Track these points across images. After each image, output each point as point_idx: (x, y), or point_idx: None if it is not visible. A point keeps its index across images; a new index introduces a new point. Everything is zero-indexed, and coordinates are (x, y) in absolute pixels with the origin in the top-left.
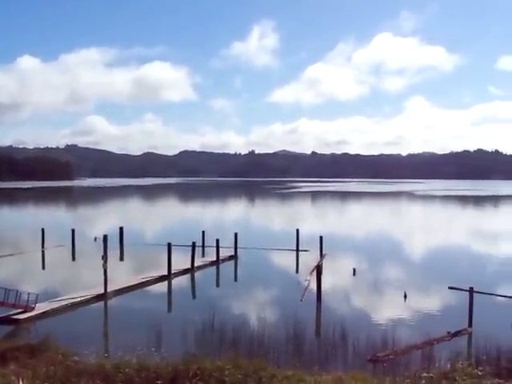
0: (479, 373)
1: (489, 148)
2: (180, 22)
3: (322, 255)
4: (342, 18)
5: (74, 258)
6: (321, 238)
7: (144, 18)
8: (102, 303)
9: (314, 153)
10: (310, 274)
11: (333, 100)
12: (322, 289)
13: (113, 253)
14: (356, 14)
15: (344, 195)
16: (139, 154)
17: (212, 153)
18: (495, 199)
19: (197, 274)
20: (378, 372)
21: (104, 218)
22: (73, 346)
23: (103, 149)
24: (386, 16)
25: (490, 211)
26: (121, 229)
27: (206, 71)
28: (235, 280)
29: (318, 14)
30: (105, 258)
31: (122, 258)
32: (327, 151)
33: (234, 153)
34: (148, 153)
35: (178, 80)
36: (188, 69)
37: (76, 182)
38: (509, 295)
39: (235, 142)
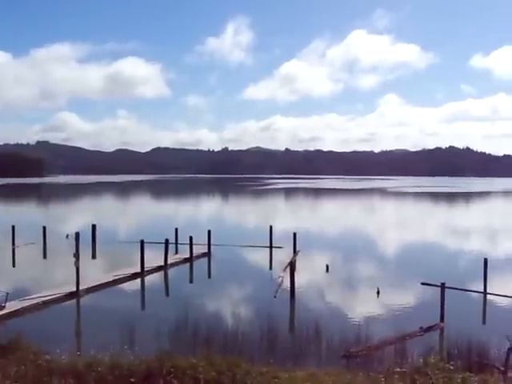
0: (451, 367)
1: (460, 145)
2: (154, 18)
3: (295, 252)
4: (316, 14)
5: (45, 256)
6: (294, 234)
7: (117, 13)
8: (74, 301)
9: (287, 149)
10: (284, 270)
11: (307, 97)
12: (296, 285)
13: (85, 250)
14: (331, 11)
15: (317, 192)
16: (112, 150)
17: (185, 149)
18: (466, 196)
19: (170, 271)
20: (351, 368)
21: (76, 216)
22: (44, 345)
23: (75, 145)
24: (361, 14)
25: (462, 208)
26: (93, 226)
27: (180, 67)
28: (209, 277)
29: (293, 10)
30: (77, 255)
31: (94, 256)
32: (300, 148)
33: (207, 149)
34: (121, 149)
35: (151, 76)
36: (162, 65)
37: (47, 179)
38: (479, 290)
39: (209, 138)
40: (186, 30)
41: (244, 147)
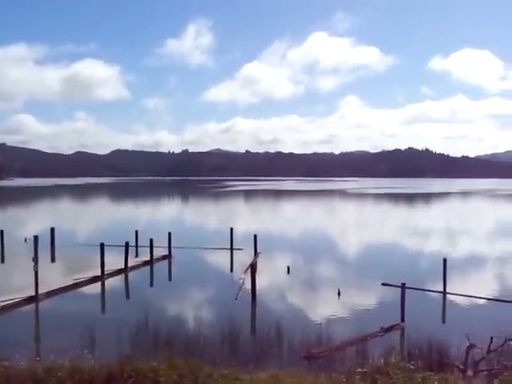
0: (411, 366)
1: (419, 147)
2: (113, 19)
3: (256, 254)
4: (277, 16)
5: (2, 260)
6: (255, 236)
7: (75, 15)
8: (33, 306)
9: (248, 151)
10: (245, 272)
11: (268, 99)
12: (257, 287)
13: (44, 254)
14: (292, 14)
15: (278, 194)
16: (70, 153)
17: (145, 152)
18: (425, 197)
19: (130, 274)
20: (313, 369)
21: (34, 219)
22: (2, 351)
23: (33, 148)
24: (322, 16)
25: (421, 208)
26: (52, 229)
27: (140, 69)
28: (169, 280)
29: (254, 12)
30: (35, 259)
31: (53, 260)
32: (261, 150)
33: (167, 151)
34: (80, 152)
35: (110, 78)
36: (121, 67)
37: (4, 182)
38: (439, 290)
39: (169, 140)
40: (145, 32)
41: (204, 149)
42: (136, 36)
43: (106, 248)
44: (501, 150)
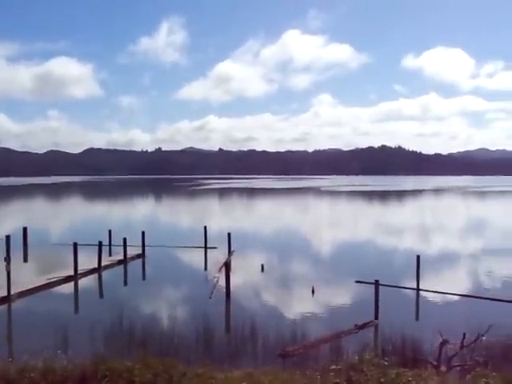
0: (385, 363)
1: (392, 144)
2: (85, 17)
3: (230, 252)
4: (251, 14)
5: None
6: (229, 234)
7: (48, 12)
8: (5, 306)
9: (221, 150)
10: (219, 271)
11: (241, 97)
12: (231, 285)
13: (16, 254)
14: (265, 11)
15: (252, 192)
16: (43, 151)
17: (118, 150)
18: (398, 194)
19: (104, 274)
20: (288, 366)
21: (6, 218)
22: None
23: (4, 146)
24: (295, 14)
25: (394, 206)
26: (24, 229)
27: (113, 67)
28: (143, 279)
29: (228, 10)
30: (7, 259)
31: (25, 259)
32: (234, 148)
33: (140, 150)
34: (52, 150)
35: (83, 76)
36: (94, 64)
37: None
38: (412, 287)
39: (142, 139)
40: (118, 30)
41: (178, 148)
42: (109, 34)
43: (79, 247)
44: (473, 147)
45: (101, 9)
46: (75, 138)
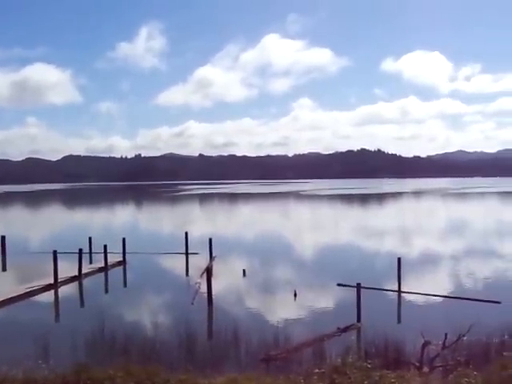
0: (368, 365)
1: (372, 147)
2: (63, 22)
3: (211, 257)
4: (230, 19)
5: None
6: (210, 240)
7: (24, 18)
8: None
9: (201, 155)
10: (201, 276)
11: (221, 102)
12: (213, 291)
13: None
14: (245, 16)
15: (232, 197)
16: (21, 159)
17: (98, 157)
18: (379, 197)
19: (85, 282)
20: (271, 371)
21: None
22: None
23: None
24: (274, 18)
25: (375, 209)
26: (2, 237)
27: (92, 73)
28: (125, 286)
29: (207, 15)
30: None
31: (4, 268)
32: (214, 153)
33: (120, 156)
34: (31, 158)
35: (61, 82)
36: (72, 70)
37: None
38: (394, 289)
39: (121, 145)
40: (97, 35)
41: (157, 154)
42: (88, 39)
43: (59, 255)
44: (451, 149)
45: (79, 14)
46: (54, 144)
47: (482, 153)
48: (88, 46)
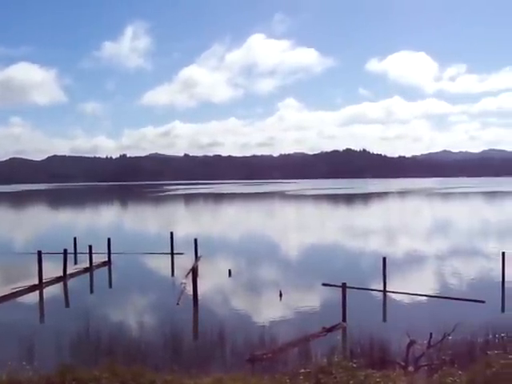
0: (354, 365)
1: (357, 147)
2: (47, 21)
3: (197, 257)
4: (216, 18)
5: None
6: (195, 240)
7: (8, 17)
8: None
9: (186, 155)
10: (186, 276)
11: (206, 102)
12: (199, 291)
13: None
14: (231, 16)
15: (218, 197)
16: (5, 159)
17: (82, 157)
18: (364, 197)
19: (69, 282)
20: (256, 371)
21: None
22: None
23: None
24: (260, 18)
25: (360, 208)
26: None
27: (77, 73)
28: (110, 286)
29: (193, 14)
30: None
31: None
32: (199, 153)
33: (105, 157)
34: (15, 158)
35: (46, 82)
36: (57, 70)
37: None
38: (379, 289)
39: (106, 145)
40: (82, 35)
41: (142, 154)
42: (72, 39)
43: (43, 256)
44: (436, 149)
45: (63, 13)
46: (38, 144)
47: (466, 153)
48: (73, 45)
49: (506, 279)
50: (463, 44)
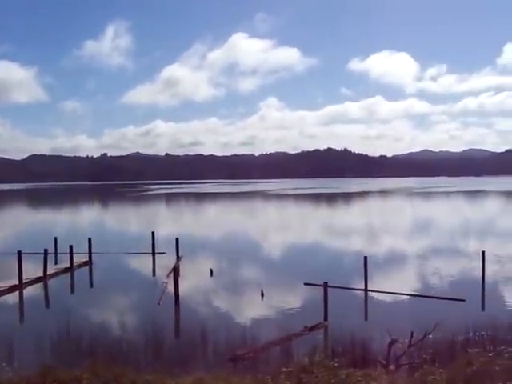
0: (335, 364)
1: (338, 147)
2: (27, 20)
3: (178, 257)
4: (199, 17)
5: None
6: (177, 239)
7: None
8: None
9: (167, 154)
10: (167, 276)
11: (188, 101)
12: (180, 291)
13: None
14: (213, 14)
15: (199, 196)
16: None
17: (63, 156)
18: (345, 196)
19: (50, 282)
20: (238, 370)
21: None
22: None
23: None
24: (243, 17)
25: (341, 208)
26: None
27: (58, 71)
28: (91, 286)
29: (175, 13)
30: None
31: None
32: (181, 153)
33: (85, 156)
34: None
35: (26, 80)
36: (38, 69)
37: None
38: (360, 288)
39: (87, 145)
40: (62, 33)
41: (124, 153)
42: (53, 37)
43: (23, 256)
44: (417, 149)
45: (44, 12)
46: (18, 143)
47: (447, 152)
48: (54, 44)
49: (486, 278)
50: (444, 44)
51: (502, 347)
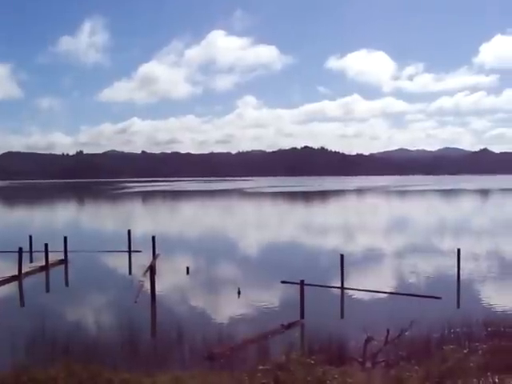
0: (312, 361)
1: (315, 145)
2: (1, 16)
3: (154, 255)
4: (176, 14)
5: None
6: (153, 238)
7: None
8: None
9: (144, 152)
10: (144, 274)
11: (165, 98)
12: (157, 289)
13: None
14: (191, 12)
15: (176, 194)
16: None
17: (38, 154)
18: (322, 195)
19: (25, 281)
20: (215, 368)
21: None
22: None
23: None
24: (221, 14)
25: (317, 206)
26: None
27: (33, 68)
28: (66, 285)
29: (152, 9)
30: None
31: None
32: (157, 150)
33: (61, 153)
34: None
35: (1, 77)
36: (13, 65)
37: None
38: (337, 286)
39: (63, 142)
40: (38, 29)
41: (100, 151)
42: (28, 33)
43: None
44: (393, 147)
45: (18, 7)
46: None
47: (423, 151)
48: (29, 40)
49: (461, 276)
50: (421, 43)
51: (477, 344)
